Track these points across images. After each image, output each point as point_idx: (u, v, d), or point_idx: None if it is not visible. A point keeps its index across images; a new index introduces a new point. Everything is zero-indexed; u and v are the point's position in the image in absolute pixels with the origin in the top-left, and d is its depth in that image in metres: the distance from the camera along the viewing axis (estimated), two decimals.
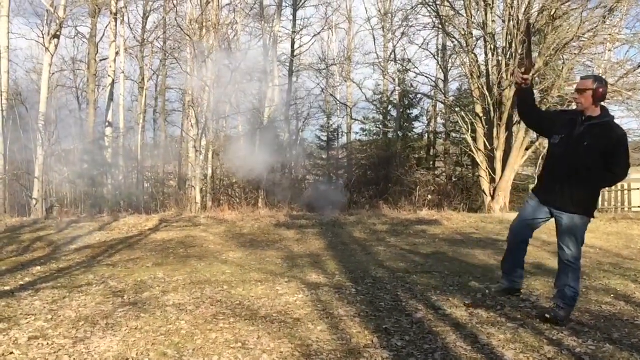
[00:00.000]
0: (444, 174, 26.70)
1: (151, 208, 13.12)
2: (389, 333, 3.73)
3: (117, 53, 17.27)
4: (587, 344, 3.49)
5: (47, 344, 3.57)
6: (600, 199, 3.77)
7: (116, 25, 16.96)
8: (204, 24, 14.69)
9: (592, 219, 4.00)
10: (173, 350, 3.38)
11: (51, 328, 3.91)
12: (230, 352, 3.36)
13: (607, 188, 4.13)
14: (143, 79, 21.39)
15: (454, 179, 25.60)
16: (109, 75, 17.39)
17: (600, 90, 3.79)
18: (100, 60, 19.72)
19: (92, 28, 16.73)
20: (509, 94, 14.44)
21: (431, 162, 26.04)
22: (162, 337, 3.66)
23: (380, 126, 24.85)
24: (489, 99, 14.84)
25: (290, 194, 13.16)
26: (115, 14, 16.63)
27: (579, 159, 3.84)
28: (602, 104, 3.91)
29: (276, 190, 13.97)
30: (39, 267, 6.45)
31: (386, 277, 5.69)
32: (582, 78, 4.01)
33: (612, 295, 4.87)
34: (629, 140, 4.51)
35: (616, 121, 3.97)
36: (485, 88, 14.99)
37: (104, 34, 19.55)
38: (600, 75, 13.70)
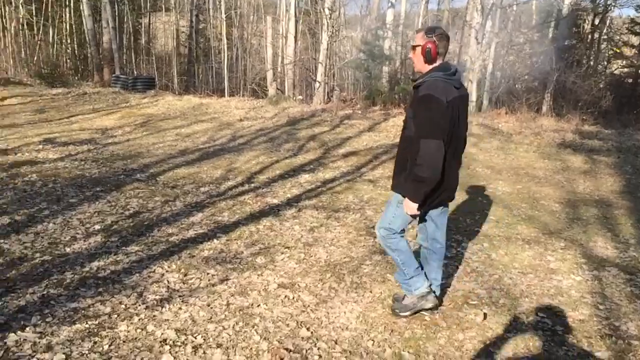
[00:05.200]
0: None
1: None
2: None
3: None
4: None
5: (293, 299, 3.55)
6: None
7: None
8: None
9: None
10: (411, 353, 2.98)
11: (300, 274, 3.91)
12: None
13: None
14: None
15: None
16: None
17: (429, 45, 2.91)
18: None
19: None
20: None
21: None
22: (404, 323, 3.29)
23: None
24: None
25: (584, 99, 11.04)
26: None
27: (404, 132, 3.14)
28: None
29: (567, 94, 11.89)
30: (306, 176, 6.73)
31: None
32: (416, 31, 3.15)
33: None
34: None
35: None
36: None
37: None
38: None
